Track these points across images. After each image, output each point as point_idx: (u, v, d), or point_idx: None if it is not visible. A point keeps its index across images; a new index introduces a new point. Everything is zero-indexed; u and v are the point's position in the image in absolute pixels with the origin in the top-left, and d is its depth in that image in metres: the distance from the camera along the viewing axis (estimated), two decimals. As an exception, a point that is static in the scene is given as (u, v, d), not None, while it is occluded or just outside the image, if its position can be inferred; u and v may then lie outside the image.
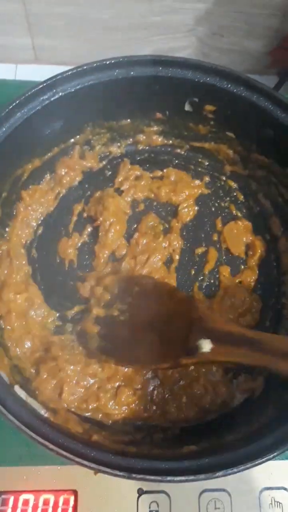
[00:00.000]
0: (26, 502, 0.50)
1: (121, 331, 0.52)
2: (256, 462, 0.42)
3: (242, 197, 0.72)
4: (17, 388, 0.47)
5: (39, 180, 0.68)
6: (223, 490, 0.49)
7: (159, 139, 0.73)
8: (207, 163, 0.73)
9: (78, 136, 0.69)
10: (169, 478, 0.40)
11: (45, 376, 0.54)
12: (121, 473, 0.39)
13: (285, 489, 0.49)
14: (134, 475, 0.39)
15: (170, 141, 0.73)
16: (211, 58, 0.86)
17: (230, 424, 0.53)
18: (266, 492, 0.48)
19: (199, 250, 0.68)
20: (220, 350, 0.41)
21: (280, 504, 0.48)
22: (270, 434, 0.45)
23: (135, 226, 0.69)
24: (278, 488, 0.49)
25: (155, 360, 0.47)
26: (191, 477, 0.40)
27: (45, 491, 0.50)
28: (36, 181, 0.67)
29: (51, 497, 0.50)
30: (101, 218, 0.67)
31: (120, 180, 0.71)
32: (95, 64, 0.60)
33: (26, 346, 0.58)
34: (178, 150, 0.73)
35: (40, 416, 0.44)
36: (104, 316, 0.55)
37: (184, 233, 0.69)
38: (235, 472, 0.41)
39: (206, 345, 0.41)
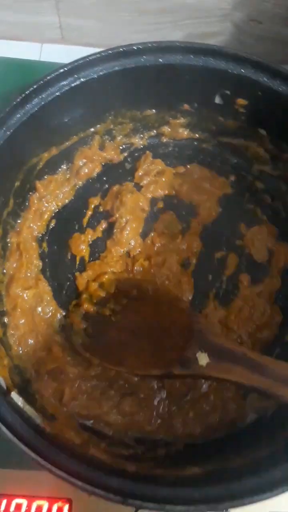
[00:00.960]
0: (18, 507, 0.48)
1: (109, 332, 0.50)
2: (264, 496, 0.39)
3: (270, 199, 0.66)
4: (14, 395, 0.45)
5: (55, 170, 0.65)
6: None
7: (185, 132, 0.68)
8: (234, 161, 0.68)
9: (98, 125, 0.65)
10: (168, 507, 0.37)
11: (46, 378, 0.52)
12: (116, 498, 0.37)
13: None
14: (130, 501, 0.36)
15: (197, 135, 0.68)
16: (245, 46, 0.80)
17: (238, 446, 0.50)
18: None
19: (219, 254, 0.64)
20: (217, 366, 0.39)
21: None
22: (281, 464, 0.42)
23: (152, 224, 0.65)
24: None
25: (142, 366, 0.45)
26: (192, 508, 0.37)
27: (40, 498, 0.48)
28: (52, 171, 0.64)
29: (45, 504, 0.48)
30: (117, 214, 0.64)
31: (140, 174, 0.67)
32: (121, 49, 0.56)
33: (29, 344, 0.56)
34: (204, 145, 0.68)
35: (35, 426, 0.42)
36: (94, 314, 0.53)
37: (204, 235, 0.64)
38: (240, 505, 0.38)
39: (203, 359, 0.39)
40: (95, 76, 0.57)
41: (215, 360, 0.40)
